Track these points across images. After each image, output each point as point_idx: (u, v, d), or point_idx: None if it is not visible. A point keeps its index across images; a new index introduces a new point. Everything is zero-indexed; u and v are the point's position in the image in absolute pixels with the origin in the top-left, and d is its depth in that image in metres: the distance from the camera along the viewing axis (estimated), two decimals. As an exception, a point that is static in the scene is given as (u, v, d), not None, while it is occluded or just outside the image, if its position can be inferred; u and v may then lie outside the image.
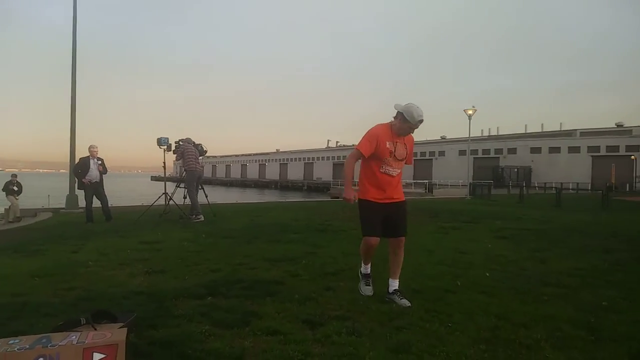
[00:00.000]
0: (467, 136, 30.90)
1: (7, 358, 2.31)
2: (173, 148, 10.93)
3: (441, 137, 73.27)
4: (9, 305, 3.87)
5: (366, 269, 4.44)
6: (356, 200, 4.08)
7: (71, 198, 16.37)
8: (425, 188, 41.71)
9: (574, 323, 3.61)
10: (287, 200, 23.04)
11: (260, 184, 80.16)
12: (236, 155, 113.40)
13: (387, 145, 4.02)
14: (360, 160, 4.19)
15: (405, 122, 3.97)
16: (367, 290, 4.37)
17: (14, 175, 16.72)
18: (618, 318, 3.76)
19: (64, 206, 16.34)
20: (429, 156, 67.90)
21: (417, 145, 66.96)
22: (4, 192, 15.72)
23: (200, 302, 4.01)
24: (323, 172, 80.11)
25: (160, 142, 10.88)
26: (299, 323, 3.52)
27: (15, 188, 15.98)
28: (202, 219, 10.12)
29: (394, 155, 4.07)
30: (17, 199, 15.64)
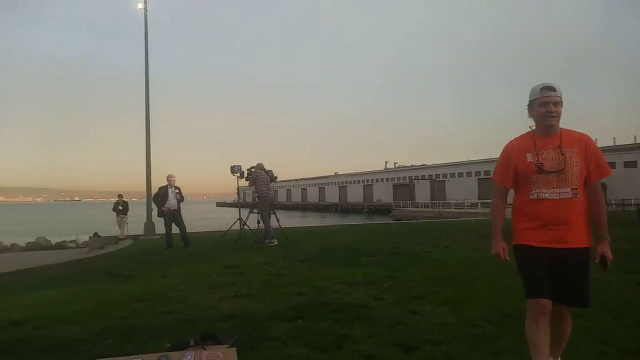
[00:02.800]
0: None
1: (135, 375, 2.50)
2: (245, 175, 11.32)
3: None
4: (118, 327, 4.16)
5: None
6: (506, 256, 2.95)
7: (149, 225, 17.33)
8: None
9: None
10: (352, 223, 23.06)
11: (321, 207, 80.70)
12: (296, 180, 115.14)
13: (529, 158, 2.77)
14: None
15: (533, 108, 2.80)
16: None
17: (120, 196, 17.89)
18: None
19: (142, 233, 17.32)
20: (474, 175, 65.87)
21: (480, 164, 64.89)
22: (115, 212, 17.08)
23: (292, 325, 4.13)
24: (383, 194, 79.50)
25: (234, 169, 11.33)
26: (392, 347, 3.54)
27: (121, 207, 17.22)
28: (276, 242, 10.37)
29: (542, 168, 2.72)
30: (122, 218, 16.85)
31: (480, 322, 4.12)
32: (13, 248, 15.90)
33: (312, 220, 44.51)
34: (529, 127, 2.91)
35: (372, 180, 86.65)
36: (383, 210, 60.08)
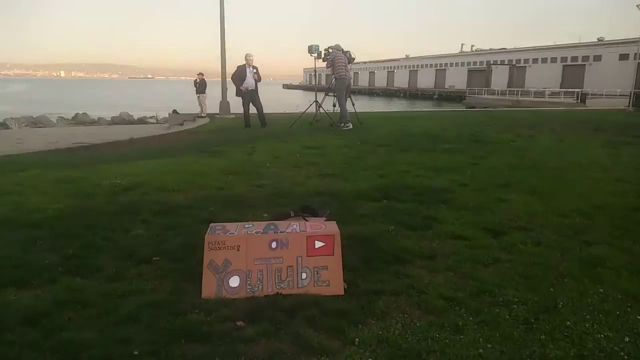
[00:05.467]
0: (636, 37, 26.56)
1: (249, 240, 2.75)
2: (323, 55, 11.07)
3: (598, 39, 63.75)
4: (217, 197, 4.52)
5: None
6: None
7: (224, 104, 17.77)
8: (577, 97, 37.42)
9: None
10: (424, 110, 22.52)
11: (389, 93, 78.67)
12: (364, 63, 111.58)
13: None
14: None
15: None
16: None
17: (200, 74, 18.21)
18: None
19: (217, 112, 17.87)
20: (582, 61, 59.95)
21: (566, 49, 59.26)
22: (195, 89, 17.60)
23: (378, 204, 4.29)
24: (456, 80, 75.54)
25: (312, 49, 11.07)
26: (479, 230, 3.62)
27: (197, 85, 17.70)
28: (351, 126, 10.41)
29: None
30: (201, 96, 17.32)
31: (569, 212, 4.08)
32: (100, 122, 17.02)
33: (380, 105, 43.88)
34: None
35: (445, 64, 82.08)
36: (455, 97, 57.62)
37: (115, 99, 55.34)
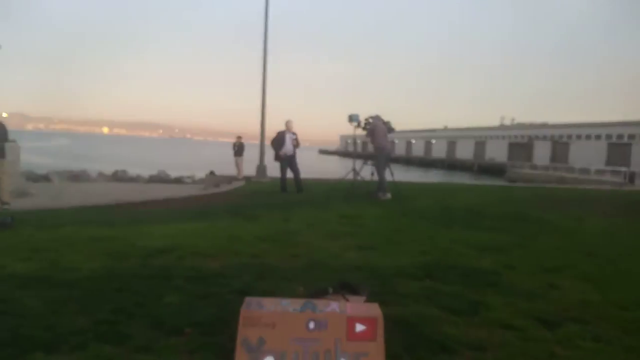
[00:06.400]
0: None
1: (285, 317, 2.57)
2: (363, 125, 11.19)
3: (644, 117, 62.46)
4: (252, 265, 4.40)
5: None
6: None
7: (261, 168, 18.06)
8: (625, 177, 36.02)
9: None
10: (464, 182, 22.24)
11: (426, 162, 78.73)
12: (401, 132, 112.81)
13: None
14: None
15: None
16: None
17: (239, 137, 18.77)
18: None
19: (254, 175, 18.14)
20: (628, 139, 58.51)
21: (611, 127, 58.17)
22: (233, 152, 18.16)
23: (420, 283, 4.05)
24: (496, 153, 74.99)
25: (352, 118, 11.22)
26: (531, 320, 3.32)
27: (235, 148, 18.21)
28: (390, 196, 10.27)
29: None
30: (237, 159, 17.81)
31: (630, 305, 3.73)
32: (138, 179, 17.34)
33: (417, 175, 43.74)
34: None
35: (485, 136, 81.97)
36: (495, 170, 56.94)
37: (154, 157, 57.36)
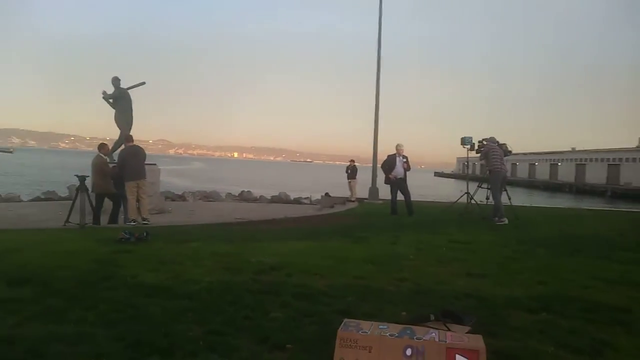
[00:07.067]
0: None
1: (382, 341, 2.56)
2: (476, 147, 10.81)
3: None
4: (356, 287, 4.43)
5: None
6: None
7: (373, 190, 18.24)
8: None
9: None
10: (594, 208, 20.16)
11: (551, 186, 72.75)
12: (524, 154, 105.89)
13: None
14: None
15: None
16: None
17: (352, 161, 19.39)
18: None
19: (366, 197, 18.34)
20: None
21: None
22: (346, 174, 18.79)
23: (535, 316, 3.75)
24: (633, 177, 67.03)
25: (464, 141, 10.93)
26: (669, 368, 2.90)
27: (348, 171, 18.78)
28: (506, 221, 9.69)
29: None
30: (352, 181, 18.35)
31: None
32: (260, 199, 18.54)
33: (541, 199, 40.54)
34: None
35: (619, 159, 73.80)
36: (632, 195, 50.81)
37: (276, 179, 60.48)
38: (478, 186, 11.19)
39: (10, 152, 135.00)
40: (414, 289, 4.43)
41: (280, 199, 18.51)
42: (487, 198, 10.45)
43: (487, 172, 10.56)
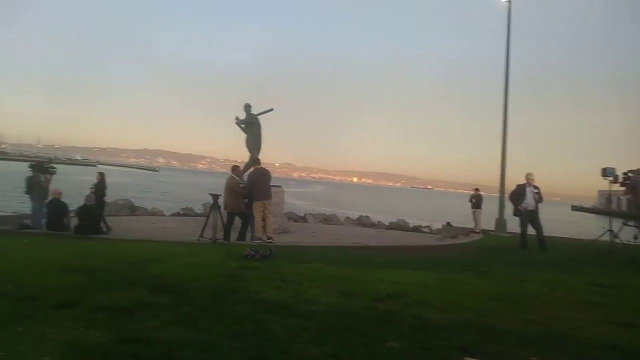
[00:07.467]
0: None
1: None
2: (621, 180, 9.66)
3: None
4: (477, 323, 4.16)
5: None
6: None
7: (500, 222, 17.18)
8: None
9: None
10: None
11: None
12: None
13: None
14: None
15: None
16: None
17: (476, 189, 18.47)
18: None
19: (492, 228, 17.31)
20: None
21: None
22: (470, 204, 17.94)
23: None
24: None
25: (606, 172, 9.85)
26: None
27: (473, 200, 17.91)
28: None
29: None
30: (476, 211, 17.54)
31: None
32: (379, 225, 18.47)
33: None
34: None
35: None
36: None
37: (394, 205, 59.80)
38: (623, 223, 9.94)
39: (156, 171, 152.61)
40: (546, 332, 4.03)
41: (399, 226, 18.28)
42: (636, 237, 9.23)
43: (635, 207, 9.35)
